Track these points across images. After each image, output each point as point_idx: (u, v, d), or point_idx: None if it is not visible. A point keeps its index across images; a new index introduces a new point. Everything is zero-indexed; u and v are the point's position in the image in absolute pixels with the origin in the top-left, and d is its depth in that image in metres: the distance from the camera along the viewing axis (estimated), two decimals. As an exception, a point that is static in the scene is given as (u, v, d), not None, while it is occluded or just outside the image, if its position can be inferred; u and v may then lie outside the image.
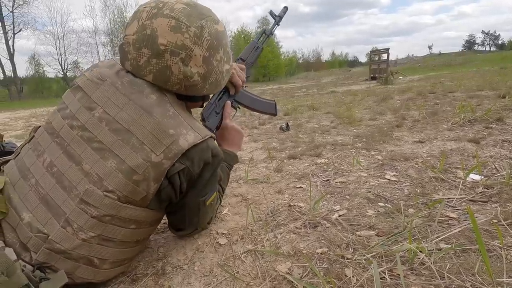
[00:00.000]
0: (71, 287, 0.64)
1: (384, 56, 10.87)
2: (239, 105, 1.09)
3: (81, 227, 0.61)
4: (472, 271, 0.66)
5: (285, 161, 1.64)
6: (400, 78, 8.85)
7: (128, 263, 0.76)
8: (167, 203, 0.73)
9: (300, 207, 1.06)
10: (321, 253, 0.78)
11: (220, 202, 0.97)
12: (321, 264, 0.75)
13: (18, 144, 0.87)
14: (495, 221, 0.84)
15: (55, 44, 29.29)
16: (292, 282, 0.68)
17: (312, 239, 0.86)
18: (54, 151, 0.67)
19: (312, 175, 1.38)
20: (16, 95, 24.47)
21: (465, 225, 0.84)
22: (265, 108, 1.16)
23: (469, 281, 0.64)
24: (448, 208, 0.97)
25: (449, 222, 0.88)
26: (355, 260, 0.74)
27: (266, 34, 1.17)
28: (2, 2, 24.35)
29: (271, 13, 1.20)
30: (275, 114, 1.20)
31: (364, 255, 0.75)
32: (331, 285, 0.66)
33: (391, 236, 0.82)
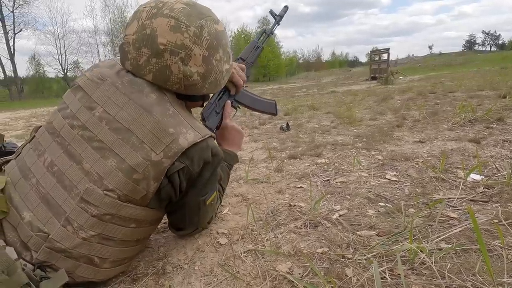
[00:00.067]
0: (71, 286, 0.64)
1: (385, 56, 10.86)
2: (239, 105, 1.08)
3: (81, 226, 0.62)
4: (472, 271, 0.66)
5: (285, 161, 1.64)
6: (400, 78, 8.85)
7: (129, 263, 0.76)
8: (167, 202, 0.73)
9: (301, 207, 1.06)
10: (321, 253, 0.78)
11: (221, 202, 0.97)
12: (321, 264, 0.75)
13: (19, 144, 0.87)
14: (495, 221, 0.84)
15: (56, 44, 29.35)
16: (293, 281, 0.68)
17: (312, 239, 0.86)
18: (54, 150, 0.67)
19: (312, 175, 1.38)
20: (16, 95, 24.50)
21: (466, 225, 0.84)
22: (265, 107, 1.16)
23: (469, 281, 0.63)
24: (449, 208, 0.97)
25: (450, 222, 0.88)
26: (355, 260, 0.74)
27: (267, 33, 1.17)
28: (3, 2, 24.40)
29: (271, 12, 1.20)
30: (275, 114, 1.20)
31: (365, 255, 0.75)
32: (332, 285, 0.65)
33: (392, 236, 0.82)
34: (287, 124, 2.55)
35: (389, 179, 1.25)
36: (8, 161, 0.77)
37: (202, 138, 0.68)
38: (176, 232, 0.87)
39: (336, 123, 2.61)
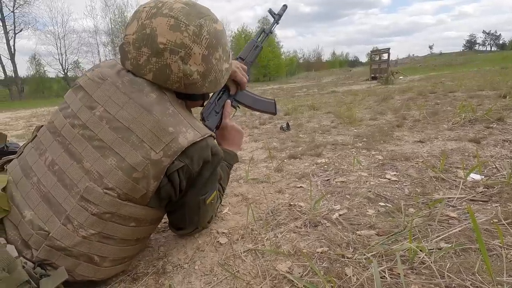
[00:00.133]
0: (71, 284, 0.65)
1: (385, 56, 10.86)
2: (239, 105, 1.09)
3: (81, 224, 0.62)
4: (472, 270, 0.66)
5: (285, 160, 1.64)
6: (400, 78, 8.84)
7: (129, 262, 0.76)
8: (167, 201, 0.73)
9: (301, 206, 1.06)
10: (321, 252, 0.78)
11: (221, 201, 0.97)
12: (321, 263, 0.75)
13: (21, 144, 0.87)
14: (495, 220, 0.84)
15: (56, 44, 29.41)
16: (293, 281, 0.68)
17: (312, 239, 0.86)
18: (55, 149, 0.67)
19: (312, 175, 1.38)
20: (17, 95, 24.53)
21: (466, 225, 0.84)
22: (265, 107, 1.16)
23: (469, 280, 0.64)
24: (449, 207, 0.97)
25: (450, 221, 0.88)
26: (355, 259, 0.74)
27: (266, 32, 1.17)
28: (3, 2, 24.43)
29: (270, 11, 1.20)
30: (275, 113, 1.20)
31: (364, 254, 0.75)
32: (331, 284, 0.66)
33: (392, 235, 0.82)
34: (287, 124, 2.55)
35: (389, 179, 1.25)
36: (10, 160, 0.77)
37: (202, 137, 0.68)
38: (176, 232, 0.87)
39: (336, 123, 2.61)
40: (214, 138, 0.76)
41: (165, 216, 0.82)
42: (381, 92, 4.98)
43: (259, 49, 1.14)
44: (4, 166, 0.77)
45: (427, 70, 15.35)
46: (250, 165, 1.60)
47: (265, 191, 1.24)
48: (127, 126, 0.65)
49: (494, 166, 1.24)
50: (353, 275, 0.68)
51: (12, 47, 25.45)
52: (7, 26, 25.06)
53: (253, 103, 1.12)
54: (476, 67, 12.22)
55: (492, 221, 0.84)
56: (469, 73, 7.99)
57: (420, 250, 0.72)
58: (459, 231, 0.81)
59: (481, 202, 0.99)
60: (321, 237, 0.86)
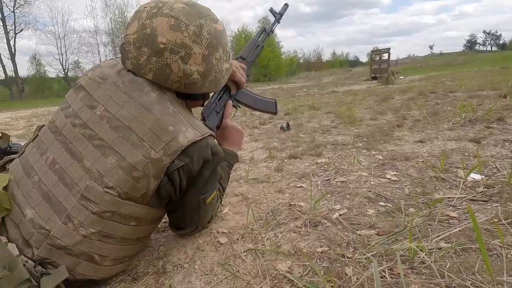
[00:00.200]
0: (72, 283, 0.65)
1: (385, 56, 10.85)
2: (239, 104, 1.08)
3: (81, 223, 0.62)
4: (472, 270, 0.66)
5: (285, 160, 1.64)
6: (401, 78, 8.84)
7: (129, 261, 0.77)
8: (167, 201, 0.74)
9: (301, 206, 1.06)
10: (321, 252, 0.78)
11: (221, 201, 0.97)
12: (321, 263, 0.75)
13: (23, 144, 0.88)
14: (495, 220, 0.84)
15: (56, 44, 29.40)
16: (293, 281, 0.68)
17: (312, 238, 0.86)
18: (56, 149, 0.68)
19: (312, 175, 1.38)
20: (17, 95, 24.54)
21: (466, 224, 0.84)
22: (265, 107, 1.16)
23: (469, 280, 0.64)
24: (449, 207, 0.97)
25: (450, 221, 0.88)
26: (355, 259, 0.74)
27: (267, 32, 1.16)
28: (4, 1, 24.44)
29: (271, 10, 1.20)
30: (275, 113, 1.20)
31: (365, 254, 0.75)
32: (332, 284, 0.66)
33: (392, 235, 0.82)
34: (288, 123, 2.55)
35: (389, 179, 1.25)
36: (12, 159, 0.78)
37: (202, 137, 0.68)
38: (177, 231, 0.87)
39: (337, 123, 2.61)
40: (214, 138, 0.76)
41: (165, 215, 0.83)
42: (381, 92, 4.98)
43: (260, 49, 1.14)
44: (6, 166, 0.78)
45: (428, 70, 15.34)
46: (250, 165, 1.60)
47: (265, 191, 1.24)
48: (127, 125, 0.65)
49: (495, 166, 1.24)
50: (353, 275, 0.68)
51: (13, 47, 25.47)
52: (7, 26, 25.10)
53: (253, 102, 1.12)
54: (477, 67, 12.21)
55: (492, 221, 0.84)
56: (470, 73, 7.98)
57: (420, 250, 0.72)
58: (459, 231, 0.81)
59: (481, 202, 0.99)
60: (321, 237, 0.86)
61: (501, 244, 0.73)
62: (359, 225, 0.90)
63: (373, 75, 10.44)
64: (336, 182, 1.27)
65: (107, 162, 0.63)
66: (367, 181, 1.24)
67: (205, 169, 0.73)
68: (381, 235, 0.84)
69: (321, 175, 1.37)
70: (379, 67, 10.49)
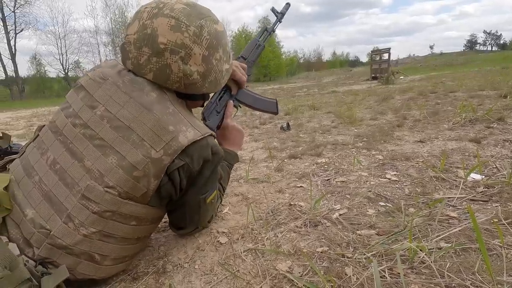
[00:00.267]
0: (72, 283, 0.65)
1: (385, 56, 10.85)
2: (240, 104, 1.08)
3: (82, 223, 0.62)
4: (472, 270, 0.66)
5: (285, 160, 1.64)
6: (401, 78, 8.84)
7: (129, 261, 0.77)
8: (168, 200, 0.74)
9: (301, 206, 1.06)
10: (321, 252, 0.78)
11: (221, 201, 0.97)
12: (321, 263, 0.75)
13: (23, 144, 0.88)
14: (495, 220, 0.84)
15: (57, 44, 29.39)
16: (293, 280, 0.68)
17: (312, 238, 0.86)
18: (57, 148, 0.68)
19: (312, 175, 1.38)
20: (17, 95, 24.56)
21: (466, 224, 0.84)
22: (266, 106, 1.16)
23: (469, 280, 0.64)
24: (449, 207, 0.97)
25: (450, 221, 0.88)
26: (355, 259, 0.74)
27: (268, 31, 1.16)
28: (4, 1, 24.45)
29: (273, 10, 1.20)
30: (276, 113, 1.20)
31: (364, 254, 0.75)
32: (331, 284, 0.66)
33: (392, 235, 0.82)
34: (288, 123, 2.55)
35: (389, 179, 1.25)
36: (13, 160, 0.78)
37: (202, 136, 0.69)
38: (177, 231, 0.87)
39: (337, 122, 2.61)
40: (215, 138, 0.76)
41: (165, 215, 0.83)
42: (381, 92, 4.98)
43: (261, 48, 1.14)
44: (7, 166, 0.78)
45: (428, 70, 15.33)
46: (251, 164, 1.60)
47: (265, 190, 1.24)
48: (128, 125, 0.65)
49: (495, 166, 1.24)
50: (353, 275, 0.68)
51: (13, 47, 25.50)
52: (8, 26, 25.11)
53: (254, 102, 1.12)
54: (477, 67, 12.20)
55: (492, 221, 0.84)
56: (470, 73, 7.98)
57: (420, 250, 0.72)
58: (459, 230, 0.81)
59: (481, 202, 0.99)
60: (321, 237, 0.86)
61: (501, 244, 0.73)
62: (359, 225, 0.90)
63: (373, 75, 10.43)
64: (336, 182, 1.27)
65: (107, 161, 0.63)
66: (367, 181, 1.24)
67: (205, 169, 0.73)
68: (381, 235, 0.84)
69: (321, 175, 1.38)
70: (380, 67, 10.49)
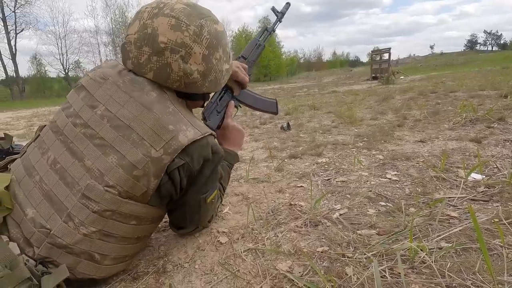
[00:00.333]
0: (72, 282, 0.65)
1: (386, 56, 10.86)
2: (240, 104, 1.08)
3: (82, 222, 0.62)
4: (473, 269, 0.66)
5: (286, 160, 1.64)
6: (401, 78, 8.84)
7: (129, 260, 0.77)
8: (168, 200, 0.74)
9: (301, 206, 1.06)
10: (321, 252, 0.78)
11: (221, 201, 0.97)
12: (321, 262, 0.75)
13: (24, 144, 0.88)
14: (496, 220, 0.84)
15: (57, 44, 29.43)
16: (293, 280, 0.68)
17: (312, 238, 0.86)
18: (58, 148, 0.68)
19: (313, 174, 1.38)
20: (18, 95, 24.58)
21: (466, 224, 0.84)
22: (266, 106, 1.16)
23: (470, 280, 0.63)
24: (449, 207, 0.97)
25: (450, 221, 0.88)
26: (355, 258, 0.74)
27: (268, 31, 1.16)
28: (4, 1, 24.46)
29: (273, 9, 1.20)
30: (276, 113, 1.20)
31: (365, 254, 0.75)
32: (332, 284, 0.66)
33: (392, 235, 0.82)
34: (288, 123, 2.55)
35: (389, 179, 1.25)
36: (14, 159, 0.78)
37: (202, 136, 0.69)
38: (177, 231, 0.87)
39: (337, 122, 2.60)
40: (215, 137, 0.76)
41: (166, 215, 0.83)
42: (382, 92, 4.97)
43: (261, 48, 1.14)
44: (8, 166, 0.78)
45: (428, 70, 15.33)
46: (251, 164, 1.60)
47: (266, 190, 1.24)
48: (128, 124, 0.65)
49: (495, 166, 1.24)
50: (353, 275, 0.68)
51: (13, 47, 25.53)
52: (8, 26, 25.13)
53: (254, 102, 1.12)
54: (477, 67, 12.20)
55: (493, 221, 0.84)
56: (470, 73, 7.98)
57: (421, 250, 0.72)
58: (460, 230, 0.81)
59: (482, 202, 0.98)
60: (322, 237, 0.86)
61: (501, 244, 0.73)
62: (359, 225, 0.90)
63: (373, 75, 10.43)
64: (337, 181, 1.27)
65: (107, 161, 0.63)
66: (367, 181, 1.24)
67: (206, 168, 0.73)
68: (381, 235, 0.83)
69: (322, 174, 1.37)
70: (380, 67, 10.49)
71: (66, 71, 29.87)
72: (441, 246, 0.75)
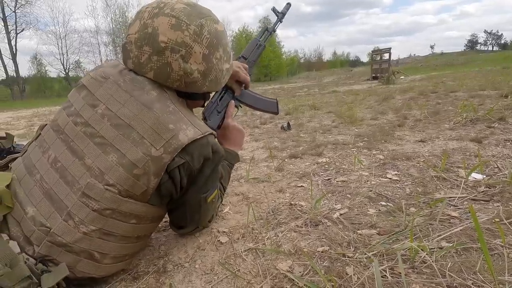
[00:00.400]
0: (72, 281, 0.65)
1: (386, 56, 10.86)
2: (240, 104, 1.08)
3: (82, 220, 0.62)
4: (473, 269, 0.66)
5: (286, 160, 1.64)
6: (401, 78, 8.84)
7: (129, 260, 0.77)
8: (168, 199, 0.74)
9: (301, 206, 1.06)
10: (322, 252, 0.78)
11: (221, 201, 0.97)
12: (322, 262, 0.75)
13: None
14: (497, 220, 0.84)
15: (57, 44, 29.43)
16: (293, 280, 0.68)
17: (313, 238, 0.86)
18: (58, 147, 0.68)
19: (313, 174, 1.38)
20: (18, 95, 24.59)
21: (467, 224, 0.84)
22: (267, 106, 1.16)
23: (470, 280, 0.63)
24: (450, 207, 0.97)
25: (451, 221, 0.88)
26: (356, 258, 0.74)
27: (269, 31, 1.16)
28: (5, 1, 24.47)
29: (273, 9, 1.20)
30: (277, 113, 1.20)
31: (365, 254, 0.75)
32: (332, 284, 0.65)
33: (392, 234, 0.82)
34: (288, 123, 2.55)
35: (390, 178, 1.24)
36: (15, 158, 0.78)
37: (202, 135, 0.69)
38: (177, 231, 0.87)
39: (337, 122, 2.60)
40: (215, 137, 0.76)
41: (166, 215, 0.82)
42: (382, 91, 4.97)
43: (262, 48, 1.14)
44: (9, 164, 0.78)
45: (429, 70, 15.32)
46: (251, 164, 1.60)
47: (266, 190, 1.24)
48: (128, 123, 0.65)
49: (496, 166, 1.24)
50: (354, 274, 0.68)
51: (14, 47, 25.54)
52: (8, 26, 25.14)
53: (255, 102, 1.12)
54: (478, 67, 12.19)
55: (493, 221, 0.83)
56: (471, 73, 7.97)
57: (421, 249, 0.72)
58: (461, 230, 0.81)
59: (482, 202, 0.98)
60: (322, 236, 0.86)
61: (502, 244, 0.73)
62: (360, 225, 0.90)
63: (374, 75, 10.43)
64: (337, 181, 1.27)
65: (107, 159, 0.64)
66: (368, 181, 1.24)
67: (206, 167, 0.73)
68: (382, 235, 0.83)
69: (322, 174, 1.37)
70: (380, 67, 10.49)
71: (67, 71, 29.91)
72: (442, 246, 0.75)
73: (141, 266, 0.80)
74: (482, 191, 1.04)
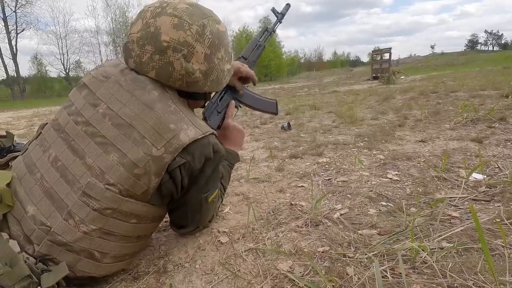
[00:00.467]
0: (72, 280, 0.65)
1: (386, 56, 10.84)
2: (240, 104, 1.09)
3: (82, 220, 0.62)
4: (474, 270, 0.66)
5: (286, 160, 1.63)
6: (402, 78, 8.84)
7: (130, 259, 0.77)
8: (169, 199, 0.74)
9: (302, 206, 1.06)
10: (322, 252, 0.78)
11: (222, 201, 0.97)
12: (322, 262, 0.75)
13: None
14: (497, 220, 0.84)
15: (58, 44, 29.48)
16: (294, 280, 0.68)
17: (313, 238, 0.85)
18: (59, 146, 0.68)
19: (313, 174, 1.38)
20: (18, 95, 24.60)
21: (468, 224, 0.84)
22: (266, 107, 1.16)
23: (471, 280, 0.63)
24: (450, 207, 0.97)
25: (451, 221, 0.88)
26: (356, 258, 0.74)
27: (268, 32, 1.16)
28: (5, 1, 24.48)
29: (273, 10, 1.20)
30: (276, 113, 1.20)
31: (366, 254, 0.75)
32: (333, 284, 0.65)
33: (393, 235, 0.82)
34: (288, 123, 2.55)
35: (390, 179, 1.24)
36: (16, 157, 0.78)
37: (203, 135, 0.69)
38: (178, 231, 0.87)
39: (338, 122, 2.60)
40: (216, 137, 0.76)
41: (167, 215, 0.82)
42: (382, 91, 4.97)
43: (261, 49, 1.14)
44: (9, 163, 0.78)
45: (429, 70, 15.31)
46: (251, 164, 1.60)
47: (266, 190, 1.23)
48: (129, 123, 0.65)
49: (497, 166, 1.24)
50: (354, 275, 0.68)
51: (14, 47, 25.55)
52: (9, 26, 25.15)
53: (254, 102, 1.12)
54: (478, 67, 12.17)
55: (494, 221, 0.83)
56: (471, 73, 7.96)
57: (422, 250, 0.72)
58: (461, 230, 0.81)
59: (483, 202, 0.98)
60: (322, 237, 0.85)
61: (503, 244, 0.73)
62: (360, 225, 0.90)
63: (374, 75, 10.42)
64: (337, 181, 1.27)
65: (108, 159, 0.64)
66: (368, 181, 1.24)
67: (207, 167, 0.73)
68: (382, 235, 0.83)
69: (322, 174, 1.37)
70: (380, 67, 10.47)
71: (67, 71, 29.95)
72: (443, 246, 0.75)
73: (142, 266, 0.80)
74: (482, 191, 1.04)
